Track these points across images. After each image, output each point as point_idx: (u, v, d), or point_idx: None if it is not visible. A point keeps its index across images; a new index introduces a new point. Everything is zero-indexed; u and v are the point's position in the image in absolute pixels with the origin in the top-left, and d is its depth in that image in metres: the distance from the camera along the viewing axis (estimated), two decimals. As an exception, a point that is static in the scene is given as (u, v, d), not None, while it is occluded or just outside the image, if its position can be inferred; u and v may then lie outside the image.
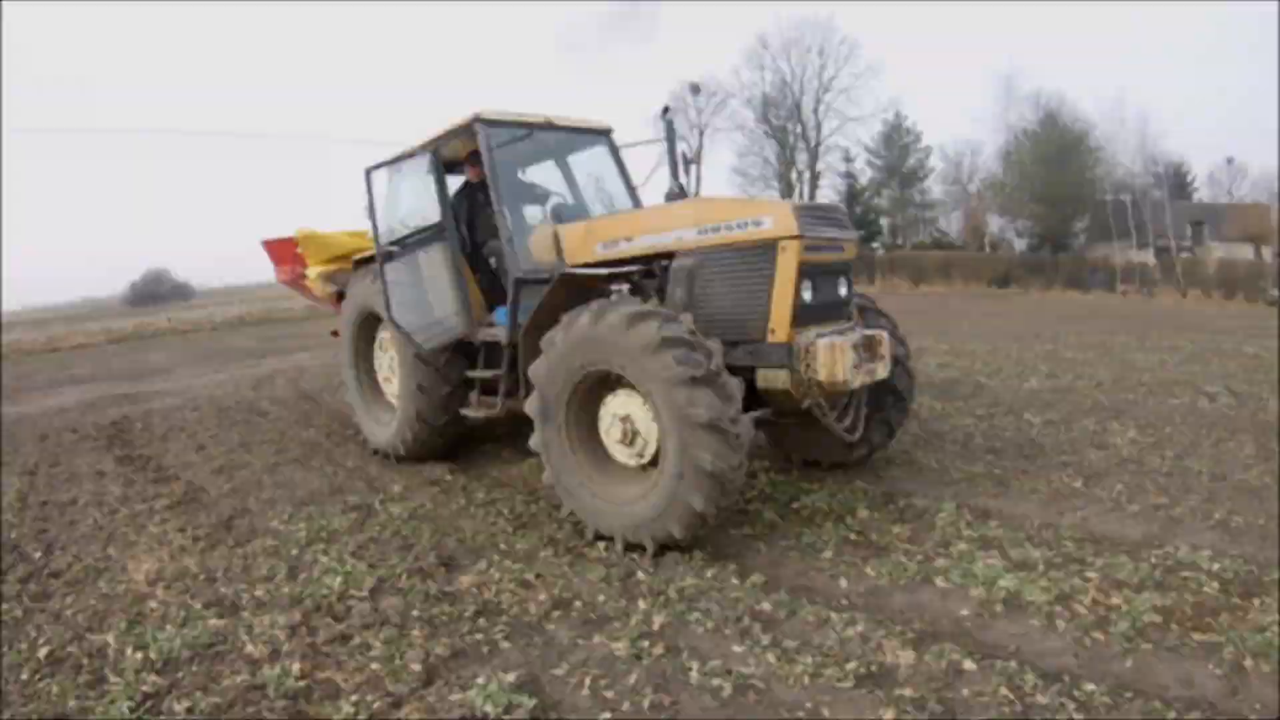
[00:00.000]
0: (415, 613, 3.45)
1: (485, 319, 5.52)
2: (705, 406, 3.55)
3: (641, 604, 3.45)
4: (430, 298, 5.43)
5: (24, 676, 3.06)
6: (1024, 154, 36.11)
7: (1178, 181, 43.97)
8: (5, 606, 3.74)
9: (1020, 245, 39.05)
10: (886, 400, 4.98)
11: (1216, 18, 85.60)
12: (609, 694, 2.78)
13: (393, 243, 5.51)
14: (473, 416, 5.60)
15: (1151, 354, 10.53)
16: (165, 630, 3.34)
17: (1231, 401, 7.16)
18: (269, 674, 2.93)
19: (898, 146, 40.82)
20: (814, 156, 39.71)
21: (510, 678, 2.87)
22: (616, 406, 4.07)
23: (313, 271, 7.16)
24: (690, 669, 2.91)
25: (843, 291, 4.51)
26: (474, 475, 5.71)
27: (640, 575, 3.76)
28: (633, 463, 4.12)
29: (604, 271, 4.46)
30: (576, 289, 4.48)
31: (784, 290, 4.05)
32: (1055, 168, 34.20)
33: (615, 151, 6.15)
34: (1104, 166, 35.42)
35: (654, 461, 3.99)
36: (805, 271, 4.07)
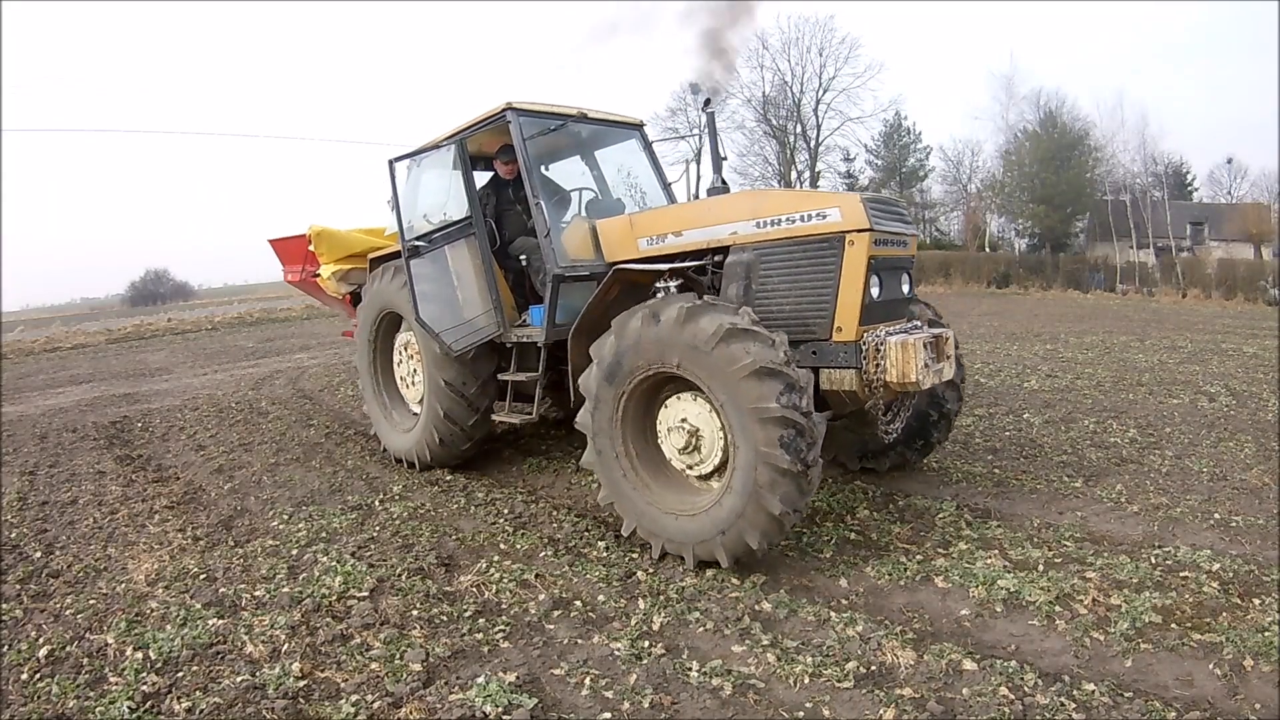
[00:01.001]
0: (415, 613, 3.45)
1: (517, 319, 5.31)
2: (781, 499, 3.39)
3: (641, 604, 3.45)
4: (459, 296, 5.16)
5: (24, 676, 3.06)
6: (1024, 154, 36.13)
7: (1178, 181, 44.00)
8: (5, 606, 3.74)
9: (1020, 245, 39.06)
10: (915, 443, 4.90)
11: (1216, 17, 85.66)
12: (609, 694, 2.78)
13: (418, 238, 5.19)
14: (505, 423, 5.39)
15: (1151, 354, 10.53)
16: (165, 630, 3.34)
17: (1231, 401, 7.16)
18: (269, 674, 2.94)
19: (898, 146, 40.83)
20: (814, 156, 39.71)
21: (510, 678, 2.87)
22: (690, 413, 3.81)
23: (326, 270, 6.91)
24: (690, 669, 2.91)
25: (905, 289, 4.29)
26: (474, 475, 5.71)
27: (640, 575, 3.76)
28: (679, 465, 3.96)
29: (664, 267, 4.27)
30: (630, 285, 4.35)
31: (852, 286, 3.83)
32: (1055, 168, 34.22)
33: (648, 146, 5.99)
34: (1104, 166, 35.45)
35: (709, 469, 3.85)
36: (872, 266, 3.85)
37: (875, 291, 3.93)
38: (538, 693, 2.80)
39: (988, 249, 37.80)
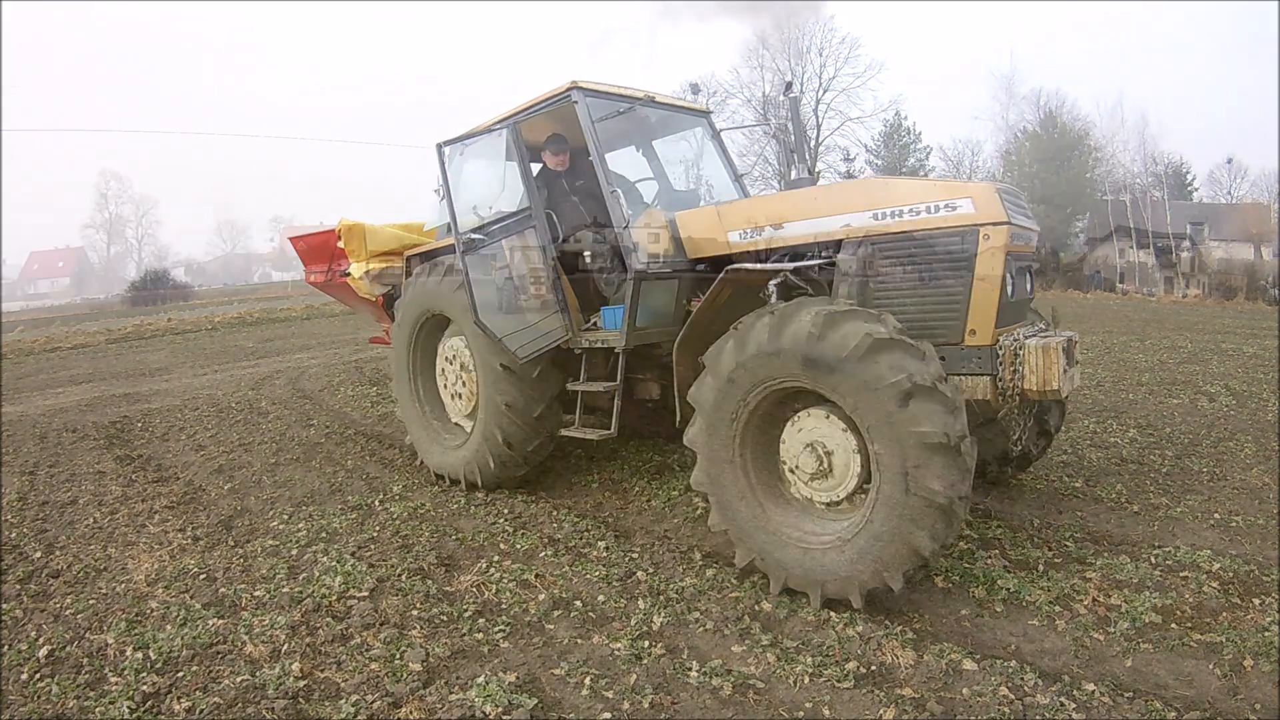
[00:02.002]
0: (415, 613, 3.44)
1: (584, 322, 4.88)
2: (930, 535, 3.03)
3: (641, 604, 3.45)
4: (522, 297, 4.72)
5: (24, 677, 3.06)
6: (1024, 154, 36.18)
7: (1178, 181, 44.05)
8: (5, 606, 3.73)
9: (1020, 245, 39.07)
10: (1008, 466, 4.64)
11: (1216, 17, 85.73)
12: (609, 694, 2.78)
13: (473, 232, 4.76)
14: (577, 438, 4.92)
15: (1151, 354, 10.53)
16: (165, 630, 3.34)
17: (1231, 401, 7.16)
18: (269, 674, 2.93)
19: (898, 146, 40.84)
20: (814, 156, 39.70)
21: (510, 678, 2.87)
22: (821, 434, 3.41)
23: (357, 269, 6.39)
24: (690, 669, 2.90)
25: (1028, 288, 3.93)
26: (474, 475, 5.69)
27: (640, 575, 3.76)
28: (800, 489, 3.56)
29: (789, 266, 3.86)
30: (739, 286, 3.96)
31: (988, 285, 3.48)
32: (1055, 168, 34.26)
33: (716, 135, 5.63)
34: (1104, 166, 35.51)
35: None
36: (1007, 264, 3.50)
37: (1009, 290, 3.59)
38: (537, 693, 2.80)
39: (988, 249, 37.80)
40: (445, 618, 3.40)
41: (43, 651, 3.22)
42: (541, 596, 3.57)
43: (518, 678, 2.89)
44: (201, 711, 2.74)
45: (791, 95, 4.95)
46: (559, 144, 5.27)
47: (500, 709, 2.68)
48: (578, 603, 3.50)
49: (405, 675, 2.91)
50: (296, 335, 19.41)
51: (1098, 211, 34.84)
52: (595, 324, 4.85)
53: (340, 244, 6.57)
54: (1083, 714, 2.54)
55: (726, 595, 3.52)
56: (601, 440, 4.80)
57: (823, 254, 3.98)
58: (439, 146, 5.05)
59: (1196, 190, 45.75)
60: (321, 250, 7.08)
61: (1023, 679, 2.73)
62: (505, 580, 3.76)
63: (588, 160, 4.84)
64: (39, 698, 2.91)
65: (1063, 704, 2.58)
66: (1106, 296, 27.06)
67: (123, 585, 3.91)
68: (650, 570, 3.81)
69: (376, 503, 5.10)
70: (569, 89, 4.71)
